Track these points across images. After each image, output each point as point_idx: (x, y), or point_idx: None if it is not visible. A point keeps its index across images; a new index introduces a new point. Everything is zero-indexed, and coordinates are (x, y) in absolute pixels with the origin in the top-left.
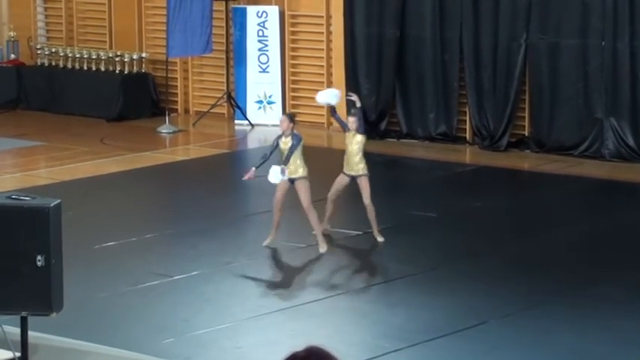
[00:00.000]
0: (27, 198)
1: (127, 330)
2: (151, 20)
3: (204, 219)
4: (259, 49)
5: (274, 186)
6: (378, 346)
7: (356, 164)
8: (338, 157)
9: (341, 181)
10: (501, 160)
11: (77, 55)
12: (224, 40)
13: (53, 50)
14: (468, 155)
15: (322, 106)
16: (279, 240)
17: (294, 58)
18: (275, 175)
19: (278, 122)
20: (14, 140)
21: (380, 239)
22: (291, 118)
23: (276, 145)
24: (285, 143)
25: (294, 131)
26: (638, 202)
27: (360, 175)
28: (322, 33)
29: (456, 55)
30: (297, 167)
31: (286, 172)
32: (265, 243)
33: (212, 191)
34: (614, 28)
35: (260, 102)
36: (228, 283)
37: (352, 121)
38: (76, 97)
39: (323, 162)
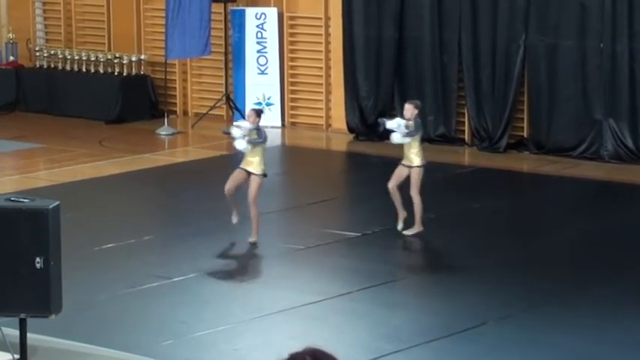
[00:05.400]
0: (26, 200)
1: (126, 332)
2: (149, 22)
3: (202, 221)
4: (258, 51)
5: (270, 188)
6: (377, 348)
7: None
8: (337, 158)
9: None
10: (500, 161)
11: (76, 57)
12: (223, 42)
13: (52, 52)
14: (467, 157)
15: (321, 108)
16: (278, 242)
17: (292, 59)
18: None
19: (277, 124)
20: (13, 142)
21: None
22: (259, 112)
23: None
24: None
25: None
26: (636, 204)
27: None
28: (321, 35)
29: (454, 56)
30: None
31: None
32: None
33: (211, 193)
34: (612, 29)
35: (259, 104)
36: (227, 284)
37: (408, 109)
38: (75, 99)
39: (322, 164)
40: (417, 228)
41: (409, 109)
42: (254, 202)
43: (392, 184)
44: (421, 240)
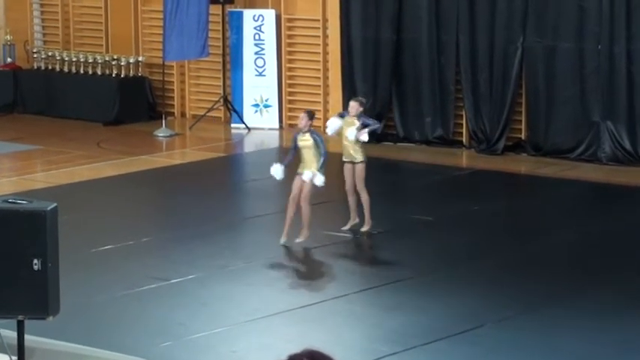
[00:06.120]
0: (23, 202)
1: (124, 333)
2: (147, 24)
3: (200, 223)
4: (256, 53)
5: (267, 190)
6: (374, 350)
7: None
8: (335, 160)
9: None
10: (498, 163)
11: (74, 59)
12: (220, 44)
13: (50, 54)
14: (465, 159)
15: (319, 110)
16: (275, 243)
17: (290, 61)
18: (278, 170)
19: (275, 126)
20: (11, 144)
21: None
22: (311, 115)
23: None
24: (304, 140)
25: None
26: (634, 206)
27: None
28: (319, 36)
29: (452, 58)
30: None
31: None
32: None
33: (208, 195)
34: (610, 31)
35: (256, 105)
36: (225, 286)
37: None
38: (73, 100)
39: None
40: (367, 224)
41: (354, 107)
42: (306, 200)
43: (348, 186)
44: (419, 242)
